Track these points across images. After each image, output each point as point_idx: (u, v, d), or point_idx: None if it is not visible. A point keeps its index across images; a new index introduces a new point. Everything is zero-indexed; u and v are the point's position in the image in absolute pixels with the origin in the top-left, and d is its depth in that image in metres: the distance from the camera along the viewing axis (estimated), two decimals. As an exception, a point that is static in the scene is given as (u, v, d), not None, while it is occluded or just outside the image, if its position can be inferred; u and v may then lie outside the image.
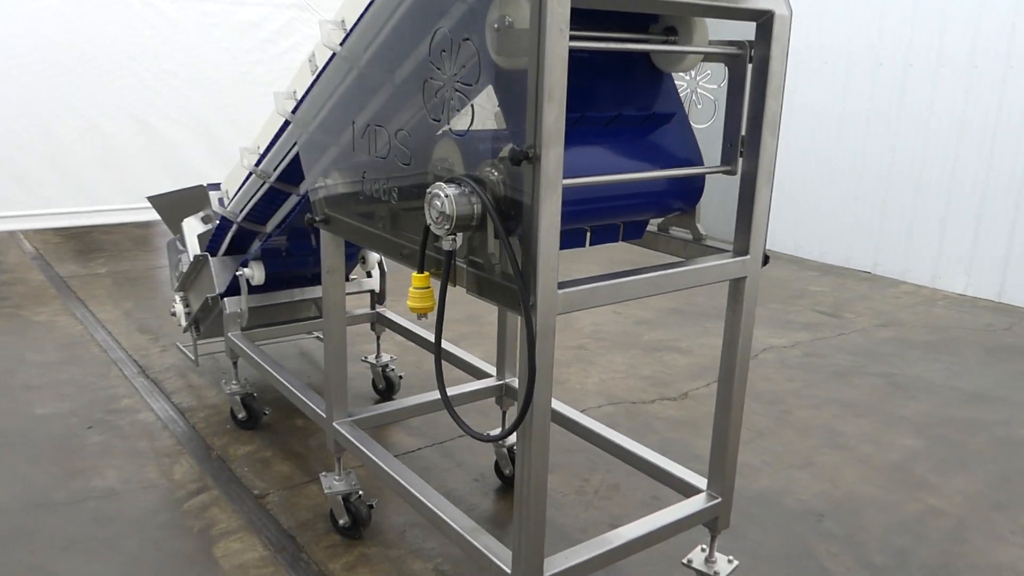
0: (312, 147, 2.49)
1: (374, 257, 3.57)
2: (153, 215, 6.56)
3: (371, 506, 2.67)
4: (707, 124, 2.18)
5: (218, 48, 5.89)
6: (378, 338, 3.79)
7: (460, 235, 1.77)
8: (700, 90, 2.20)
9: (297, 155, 2.82)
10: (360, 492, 2.65)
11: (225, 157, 6.12)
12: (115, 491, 2.96)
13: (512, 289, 1.71)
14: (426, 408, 2.81)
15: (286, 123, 2.74)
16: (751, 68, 1.97)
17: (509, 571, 1.87)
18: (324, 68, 2.40)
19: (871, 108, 6.37)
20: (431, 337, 3.55)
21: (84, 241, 7.17)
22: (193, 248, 3.65)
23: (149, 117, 5.92)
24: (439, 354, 1.88)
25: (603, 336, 4.82)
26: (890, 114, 6.24)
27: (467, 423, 1.90)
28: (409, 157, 1.98)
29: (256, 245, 3.54)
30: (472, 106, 1.76)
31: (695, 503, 2.19)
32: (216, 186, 3.55)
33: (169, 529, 2.72)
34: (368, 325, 3.81)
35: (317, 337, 4.31)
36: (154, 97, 5.85)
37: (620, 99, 2.04)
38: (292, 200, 3.16)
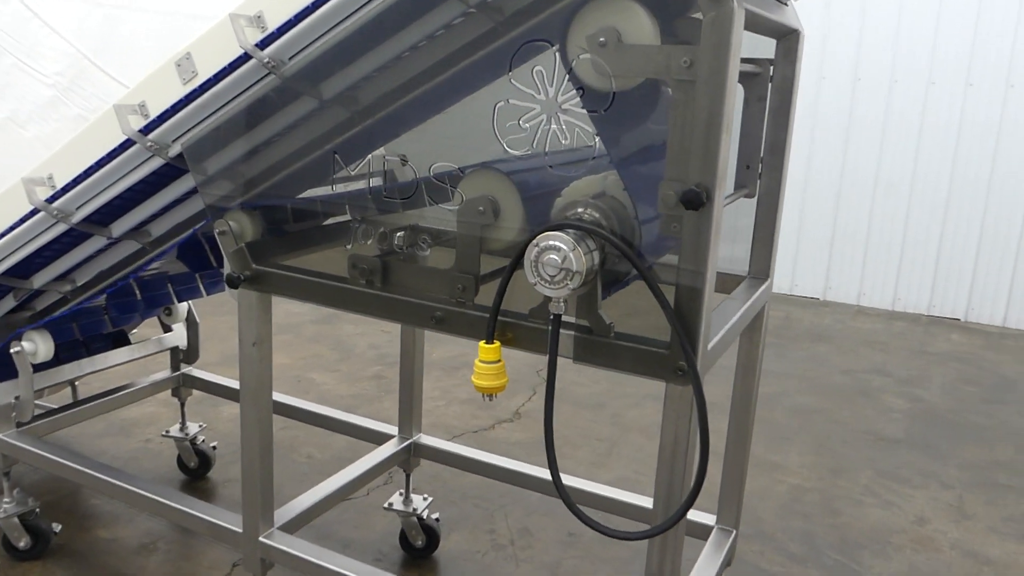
0: (218, 181, 1.86)
1: (182, 308, 2.84)
2: None
3: (303, 628, 2.11)
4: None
5: None
6: (183, 405, 3.04)
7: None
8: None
9: (128, 190, 2.13)
10: (286, 613, 2.09)
11: None
12: None
13: (648, 353, 1.44)
14: (353, 487, 2.31)
15: (122, 145, 2.02)
16: (770, 87, 1.90)
17: None
18: (223, 75, 1.80)
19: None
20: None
21: None
22: (-102, 319, 2.57)
23: None
24: (552, 450, 1.51)
25: (392, 360, 4.44)
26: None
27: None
28: (461, 196, 1.56)
29: (8, 304, 2.62)
30: (597, 137, 1.43)
31: (718, 541, 2.08)
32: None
33: None
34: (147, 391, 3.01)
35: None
36: None
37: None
38: (94, 244, 2.38)
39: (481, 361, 1.52)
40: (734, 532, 2.12)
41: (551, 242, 1.38)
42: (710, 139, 1.31)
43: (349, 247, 1.69)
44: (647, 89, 1.41)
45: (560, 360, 1.48)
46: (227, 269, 1.87)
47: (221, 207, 1.87)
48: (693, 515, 2.22)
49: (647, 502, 2.28)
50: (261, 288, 1.82)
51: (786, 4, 1.83)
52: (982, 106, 5.31)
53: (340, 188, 1.85)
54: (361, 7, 1.63)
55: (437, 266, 1.66)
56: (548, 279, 1.40)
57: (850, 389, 4.32)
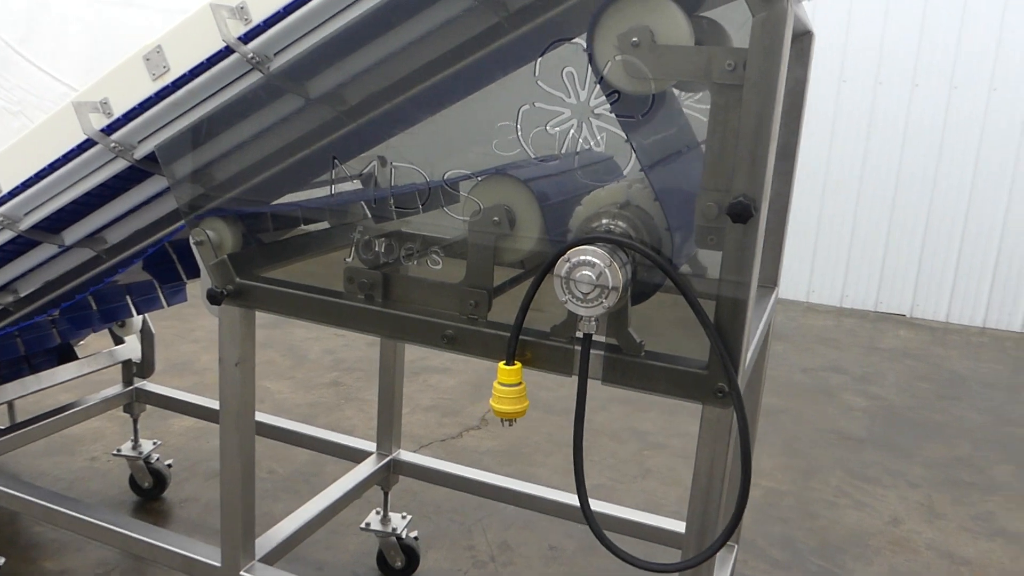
0: (196, 186, 1.70)
1: (137, 318, 2.64)
2: None
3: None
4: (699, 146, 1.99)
5: None
6: (135, 422, 2.83)
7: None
8: (687, 110, 1.99)
9: (85, 195, 1.95)
10: (269, 651, 1.94)
11: None
12: None
13: (684, 373, 1.36)
14: (334, 510, 2.17)
15: (81, 145, 1.84)
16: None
17: None
18: (200, 70, 1.64)
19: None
20: (206, 402, 2.78)
21: None
22: None
23: None
24: (581, 477, 1.41)
25: (349, 366, 4.28)
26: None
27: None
28: (479, 205, 1.44)
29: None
30: (631, 140, 1.34)
31: (722, 558, 2.02)
32: None
33: None
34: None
35: None
36: None
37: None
38: (42, 252, 2.17)
39: (501, 383, 1.41)
40: (735, 547, 2.07)
41: (585, 257, 1.28)
42: (758, 147, 1.23)
43: (348, 260, 1.56)
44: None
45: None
46: (204, 283, 1.72)
47: (198, 215, 1.71)
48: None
49: (655, 520, 2.21)
50: (246, 304, 1.67)
51: (800, 1, 1.76)
52: (928, 106, 5.42)
53: (324, 193, 1.72)
54: (356, 1, 1.50)
55: (444, 279, 1.55)
56: (581, 296, 1.30)
57: (811, 388, 4.35)
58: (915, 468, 3.46)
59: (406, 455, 2.46)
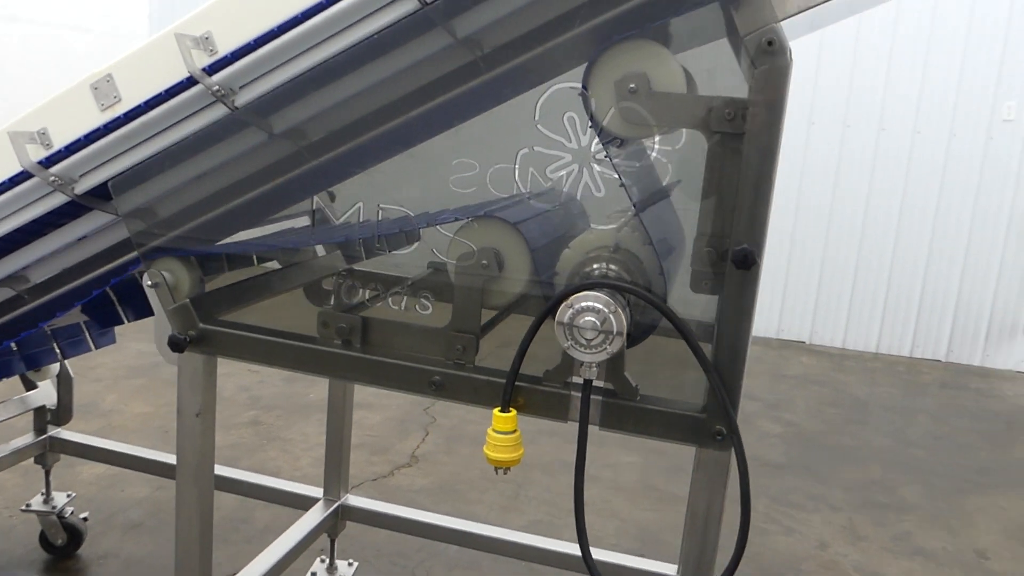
0: (153, 224, 1.60)
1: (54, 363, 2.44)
2: None
3: None
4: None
5: None
6: (47, 473, 2.61)
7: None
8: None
9: (20, 228, 1.80)
10: None
11: None
12: None
13: (681, 417, 1.37)
14: (286, 563, 2.05)
15: (13, 179, 1.71)
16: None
17: None
18: (156, 102, 1.55)
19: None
20: (132, 450, 2.61)
21: None
22: None
23: None
24: (582, 524, 1.39)
25: (267, 403, 4.11)
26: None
27: None
28: (471, 251, 1.41)
29: None
30: (625, 184, 1.34)
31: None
32: None
33: None
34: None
35: None
36: None
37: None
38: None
39: (495, 431, 1.38)
40: (689, 581, 2.08)
41: (588, 303, 1.27)
42: (759, 196, 1.26)
43: (328, 305, 1.49)
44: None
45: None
46: (161, 328, 1.61)
47: (153, 254, 1.60)
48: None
49: (635, 563, 2.20)
50: (210, 351, 1.57)
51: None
52: (823, 143, 5.73)
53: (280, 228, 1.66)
54: (336, 34, 1.46)
55: (425, 323, 1.50)
56: (584, 343, 1.28)
57: (727, 415, 4.47)
58: (834, 492, 3.60)
59: (354, 499, 2.37)
